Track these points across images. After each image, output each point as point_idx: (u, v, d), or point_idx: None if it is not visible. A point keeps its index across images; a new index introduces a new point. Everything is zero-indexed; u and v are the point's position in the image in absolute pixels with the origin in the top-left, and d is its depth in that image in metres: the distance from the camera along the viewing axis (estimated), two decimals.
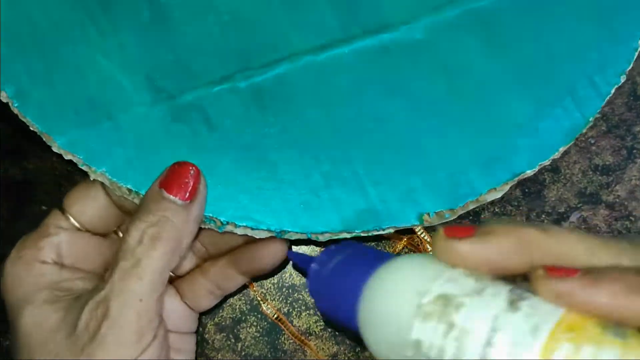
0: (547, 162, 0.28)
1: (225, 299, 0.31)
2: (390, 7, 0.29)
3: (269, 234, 0.26)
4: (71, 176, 0.32)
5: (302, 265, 0.22)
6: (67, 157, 0.26)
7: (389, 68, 0.28)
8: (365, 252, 0.20)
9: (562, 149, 0.28)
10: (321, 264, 0.21)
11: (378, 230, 0.26)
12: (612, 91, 0.29)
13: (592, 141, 0.33)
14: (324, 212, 0.26)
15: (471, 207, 0.27)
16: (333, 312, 0.20)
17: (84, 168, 0.26)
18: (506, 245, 0.17)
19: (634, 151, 0.33)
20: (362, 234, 0.26)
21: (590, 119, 0.29)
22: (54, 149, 0.26)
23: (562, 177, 0.33)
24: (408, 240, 0.32)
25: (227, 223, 0.26)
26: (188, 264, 0.28)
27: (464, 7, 0.29)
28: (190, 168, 0.25)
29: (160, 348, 0.23)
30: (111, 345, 0.22)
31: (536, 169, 0.28)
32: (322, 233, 0.26)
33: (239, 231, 0.26)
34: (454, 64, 0.29)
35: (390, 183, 0.27)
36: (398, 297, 0.17)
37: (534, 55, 0.29)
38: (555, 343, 0.15)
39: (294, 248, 0.32)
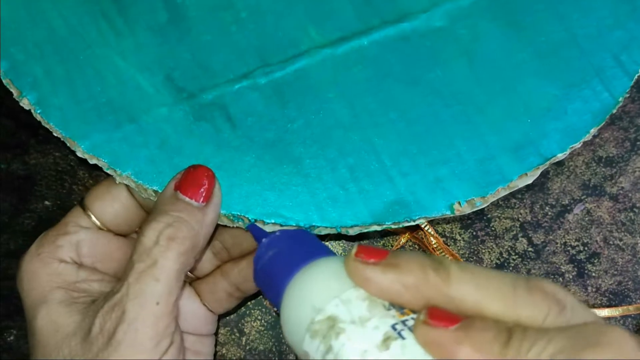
0: (578, 145, 0.27)
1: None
2: None
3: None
4: (73, 171, 0.32)
5: (256, 239, 0.23)
6: (92, 161, 0.25)
7: (410, 57, 0.28)
8: (299, 247, 0.21)
9: (593, 131, 0.27)
10: (263, 249, 0.22)
11: (409, 222, 0.26)
12: None
13: (596, 133, 0.33)
14: (353, 205, 0.26)
15: (502, 193, 0.27)
16: (266, 293, 0.21)
17: (109, 172, 0.25)
18: (406, 281, 0.18)
19: (638, 143, 0.33)
20: (393, 226, 0.26)
21: (620, 99, 0.28)
22: (79, 154, 0.26)
23: (566, 169, 0.33)
24: (411, 234, 0.31)
25: (256, 221, 0.25)
26: (208, 265, 0.28)
27: None
28: (206, 171, 0.24)
29: (177, 353, 0.23)
30: (127, 350, 0.21)
31: (567, 152, 0.27)
32: (351, 227, 0.26)
33: (268, 228, 0.25)
34: (476, 50, 0.28)
35: (418, 173, 0.26)
36: (301, 308, 0.18)
37: (557, 37, 0.28)
38: None
39: (328, 244, 0.31)
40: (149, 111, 0.26)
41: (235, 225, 0.25)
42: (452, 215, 0.26)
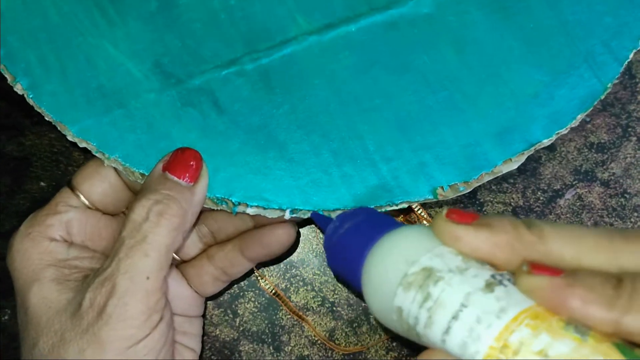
0: (564, 131, 0.27)
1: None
2: None
3: (281, 213, 0.26)
4: (68, 152, 0.33)
5: (321, 226, 0.23)
6: (82, 144, 0.26)
7: (397, 44, 0.28)
8: (376, 219, 0.21)
9: (580, 117, 0.27)
10: (332, 230, 0.21)
11: (391, 206, 0.26)
12: (631, 56, 0.28)
13: (588, 119, 0.33)
14: (335, 189, 0.26)
15: (486, 179, 0.27)
16: (342, 273, 0.21)
17: (97, 155, 0.26)
18: (499, 240, 0.17)
19: (629, 129, 0.33)
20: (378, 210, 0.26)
21: (609, 85, 0.28)
22: (69, 138, 0.26)
23: (558, 154, 0.33)
24: (405, 217, 0.32)
25: (239, 204, 0.26)
26: (194, 249, 0.28)
27: None
28: (194, 153, 0.25)
29: (167, 330, 0.23)
30: (118, 324, 0.22)
31: (553, 138, 0.27)
32: (333, 210, 0.26)
33: (251, 211, 0.26)
34: (464, 37, 0.28)
35: (401, 158, 0.27)
36: (389, 265, 0.18)
37: (546, 23, 0.28)
38: (515, 326, 0.15)
39: (309, 227, 0.32)
40: (137, 97, 0.27)
41: (219, 208, 0.26)
42: (436, 200, 0.26)
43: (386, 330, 0.19)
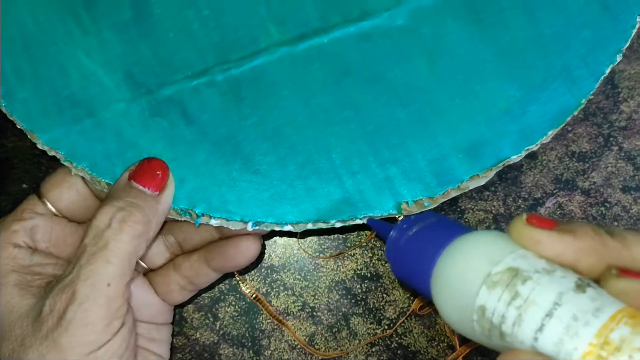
0: (535, 147, 0.27)
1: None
2: None
3: (244, 225, 0.26)
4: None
5: (382, 233, 0.23)
6: (51, 153, 0.27)
7: (369, 55, 0.28)
8: (447, 222, 0.21)
9: (551, 133, 0.27)
10: (400, 232, 0.22)
11: (354, 220, 0.26)
12: (607, 71, 0.27)
13: (569, 128, 0.33)
14: (299, 203, 0.26)
15: (453, 194, 0.26)
16: (408, 277, 0.21)
17: (66, 164, 0.26)
18: (583, 246, 0.18)
19: (611, 139, 0.33)
20: (338, 224, 0.26)
21: (583, 101, 0.27)
22: (39, 146, 0.27)
23: (539, 163, 0.33)
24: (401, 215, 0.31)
25: (203, 215, 0.26)
26: (161, 258, 0.29)
27: None
28: (160, 162, 0.25)
29: (128, 336, 0.23)
30: (77, 330, 0.22)
31: (522, 154, 0.27)
32: (296, 223, 0.26)
33: (215, 222, 0.26)
34: (437, 50, 0.28)
35: (367, 172, 0.26)
36: (471, 263, 0.18)
37: (522, 35, 0.28)
38: (614, 324, 0.16)
39: (277, 239, 0.32)
40: (107, 106, 0.27)
41: (183, 219, 0.26)
42: (400, 215, 0.26)
43: (464, 338, 0.20)
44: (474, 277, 0.18)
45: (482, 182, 0.26)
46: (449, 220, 0.22)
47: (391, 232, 0.22)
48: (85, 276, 0.22)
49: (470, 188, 0.26)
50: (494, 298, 0.17)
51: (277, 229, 0.26)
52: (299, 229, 0.26)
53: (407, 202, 0.26)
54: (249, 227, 0.26)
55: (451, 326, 0.19)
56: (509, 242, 0.19)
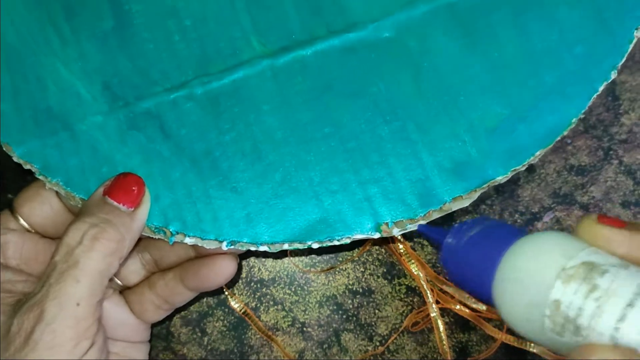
0: (522, 168, 0.26)
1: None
2: (358, 4, 0.27)
3: (219, 244, 0.25)
4: None
5: (436, 238, 0.23)
6: (26, 166, 0.26)
7: (353, 69, 0.27)
8: (502, 225, 0.21)
9: (539, 153, 0.26)
10: (455, 237, 0.21)
11: (331, 241, 0.25)
12: (601, 88, 0.26)
13: (569, 141, 0.32)
14: (275, 222, 0.25)
15: (435, 216, 0.25)
16: (466, 280, 0.21)
17: (40, 178, 0.26)
18: None
19: (610, 152, 0.32)
20: (315, 245, 0.25)
21: (574, 120, 0.26)
22: (14, 159, 0.26)
23: (537, 176, 0.32)
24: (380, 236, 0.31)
25: (177, 233, 0.25)
26: (137, 276, 0.28)
27: (437, 3, 0.27)
28: (136, 178, 0.24)
29: (98, 355, 0.23)
30: (44, 351, 0.21)
31: (509, 175, 0.26)
32: (272, 243, 0.25)
33: (189, 241, 0.25)
34: (423, 64, 0.27)
35: (346, 192, 0.26)
36: (543, 259, 0.18)
37: (512, 50, 0.27)
38: None
39: (254, 259, 0.31)
40: (84, 119, 0.27)
41: (157, 237, 0.26)
42: (381, 236, 0.25)
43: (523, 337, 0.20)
44: (547, 272, 0.18)
45: (465, 203, 0.25)
46: (505, 223, 0.22)
47: (447, 238, 0.22)
48: (53, 295, 0.22)
49: (453, 210, 0.25)
50: (569, 292, 0.17)
51: (252, 248, 0.25)
52: (274, 249, 0.25)
53: (387, 223, 0.25)
54: (224, 247, 0.25)
55: (513, 326, 0.19)
56: (579, 241, 0.19)
